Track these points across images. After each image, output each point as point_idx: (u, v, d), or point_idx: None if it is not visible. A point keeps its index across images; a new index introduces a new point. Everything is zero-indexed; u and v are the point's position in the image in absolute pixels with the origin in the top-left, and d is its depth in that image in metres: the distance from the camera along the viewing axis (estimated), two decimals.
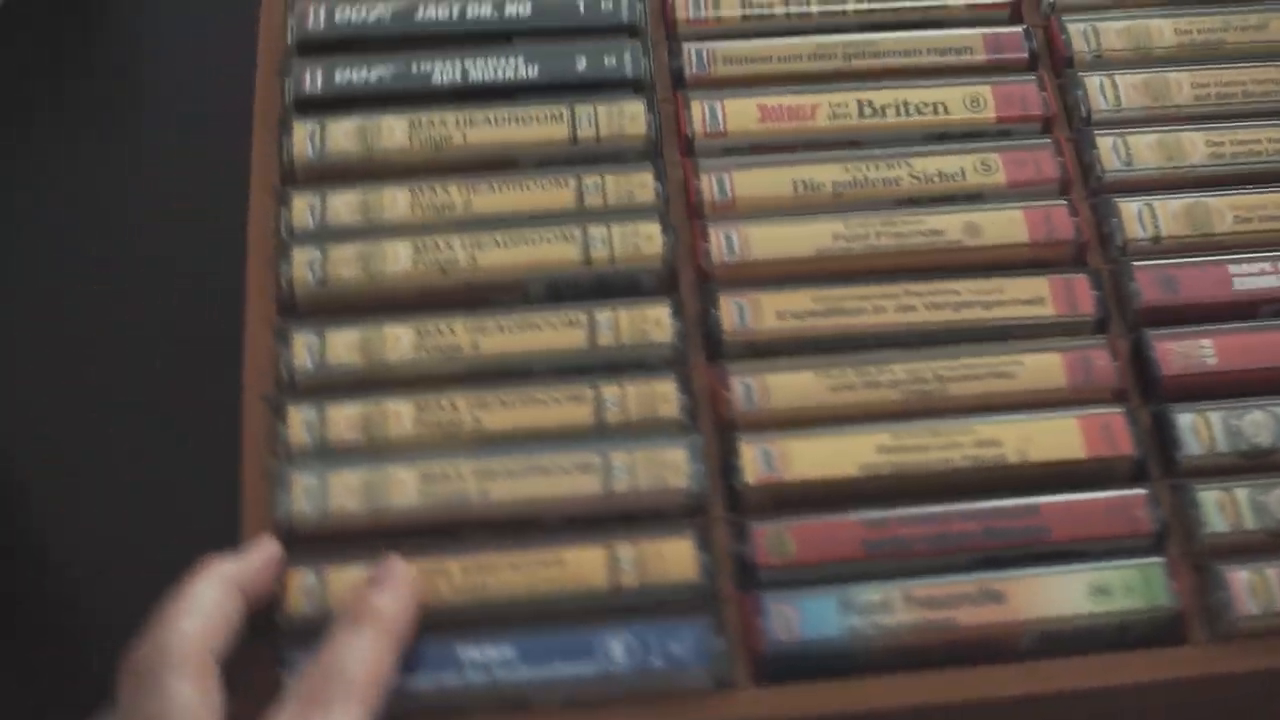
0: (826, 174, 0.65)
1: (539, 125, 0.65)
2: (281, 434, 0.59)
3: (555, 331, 0.61)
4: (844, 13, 0.69)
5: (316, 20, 0.68)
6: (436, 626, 0.56)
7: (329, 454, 0.59)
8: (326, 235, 0.63)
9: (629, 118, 0.65)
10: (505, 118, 0.65)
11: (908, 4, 0.69)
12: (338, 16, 0.68)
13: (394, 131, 0.65)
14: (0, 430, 0.74)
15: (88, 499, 0.73)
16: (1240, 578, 0.58)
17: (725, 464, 0.59)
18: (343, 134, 0.65)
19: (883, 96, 0.67)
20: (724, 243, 0.63)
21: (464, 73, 0.66)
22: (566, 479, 0.58)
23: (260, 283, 0.63)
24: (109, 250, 0.79)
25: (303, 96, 0.66)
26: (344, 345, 0.61)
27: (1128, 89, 0.67)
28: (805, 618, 0.57)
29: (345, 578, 0.56)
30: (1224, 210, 0.65)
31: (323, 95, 0.66)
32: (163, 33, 0.86)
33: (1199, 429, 0.60)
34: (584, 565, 0.57)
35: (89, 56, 0.85)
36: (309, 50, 0.68)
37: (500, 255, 0.62)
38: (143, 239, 0.79)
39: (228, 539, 0.57)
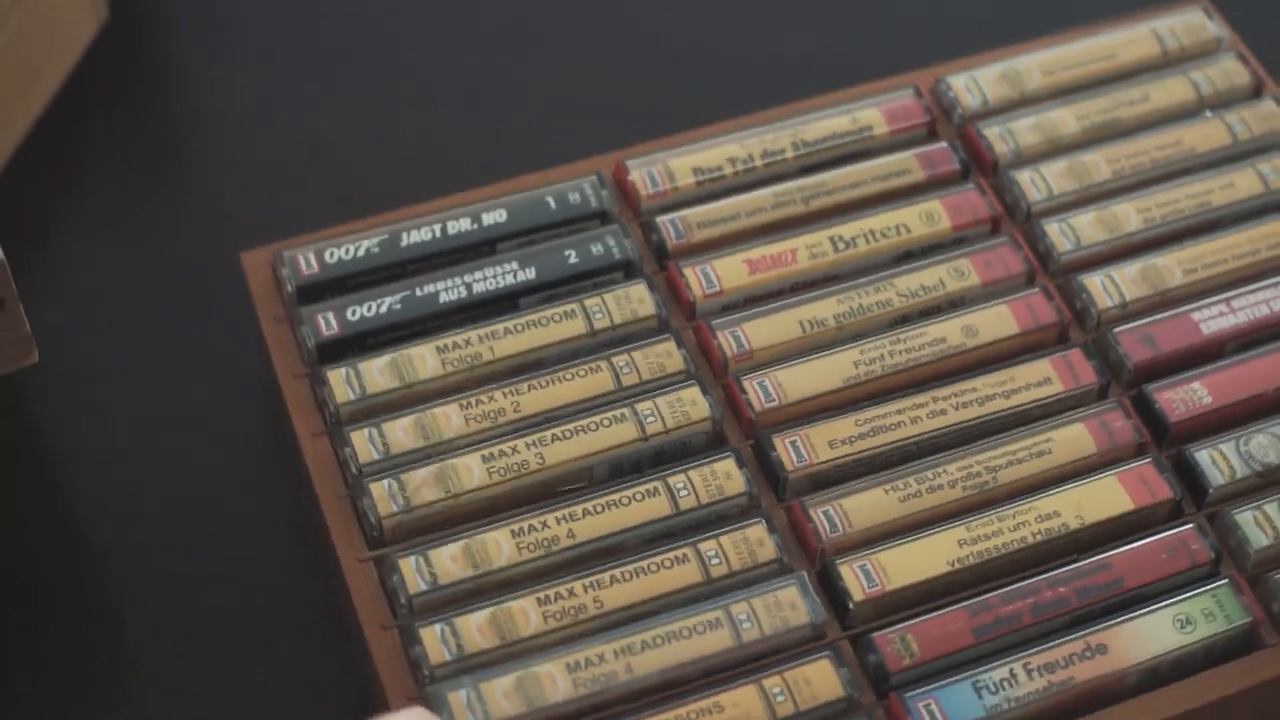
0: (825, 309, 0.70)
1: (557, 325, 0.69)
2: (420, 655, 0.62)
3: (640, 504, 0.65)
4: (784, 160, 0.75)
5: (310, 266, 0.71)
6: None
7: (472, 664, 0.62)
8: (397, 464, 0.66)
9: (636, 300, 0.70)
10: (524, 324, 0.69)
11: (836, 142, 0.76)
12: (329, 257, 0.72)
13: (425, 360, 0.68)
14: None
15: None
16: None
17: (830, 588, 0.64)
18: (378, 371, 0.68)
19: (850, 229, 0.73)
20: (759, 392, 0.68)
21: (468, 287, 0.71)
22: (700, 639, 0.63)
23: (340, 521, 0.66)
24: None
25: (323, 341, 0.69)
26: (449, 558, 0.64)
27: (1055, 177, 0.74)
28: (946, 706, 0.62)
29: None
30: (1172, 267, 0.72)
31: (341, 336, 0.70)
32: None
33: (1218, 461, 0.67)
34: (742, 705, 0.61)
35: None
36: (310, 297, 0.71)
37: (565, 447, 0.66)
38: None
39: None
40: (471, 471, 0.66)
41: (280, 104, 0.86)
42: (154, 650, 0.69)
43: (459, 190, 0.75)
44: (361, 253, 0.72)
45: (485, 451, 0.67)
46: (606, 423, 0.67)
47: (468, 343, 0.69)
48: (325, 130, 0.85)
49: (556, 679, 0.62)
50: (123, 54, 0.87)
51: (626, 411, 0.67)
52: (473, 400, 0.68)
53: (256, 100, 0.86)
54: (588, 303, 0.70)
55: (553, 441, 0.67)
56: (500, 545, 0.64)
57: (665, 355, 0.69)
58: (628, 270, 0.72)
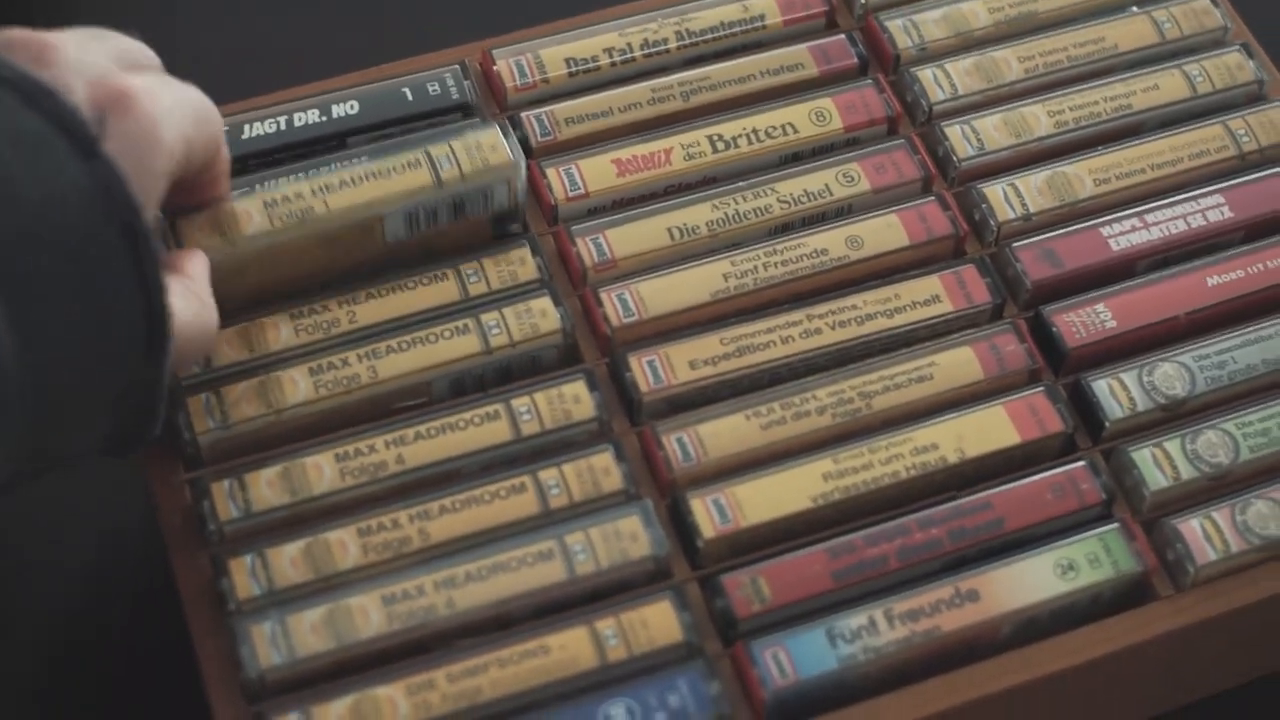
0: (698, 215, 0.64)
1: (400, 176, 0.63)
2: (226, 587, 0.57)
3: (478, 428, 0.60)
4: (667, 51, 0.69)
5: None
6: None
7: (282, 599, 0.57)
8: (216, 376, 0.61)
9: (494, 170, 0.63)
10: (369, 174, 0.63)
11: (725, 33, 0.69)
12: None
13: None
14: None
15: None
16: (1193, 528, 0.59)
17: (679, 523, 0.59)
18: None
19: (731, 128, 0.67)
20: (618, 305, 0.62)
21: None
22: (529, 571, 0.57)
23: None
24: None
25: None
26: (265, 484, 0.59)
27: (961, 75, 0.68)
28: (797, 657, 0.57)
29: (331, 712, 0.55)
30: (1082, 176, 0.66)
31: None
32: None
33: (1117, 392, 0.62)
34: (570, 648, 0.56)
35: None
36: None
37: (400, 359, 0.61)
38: None
39: None
40: (297, 385, 0.61)
41: None
42: None
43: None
44: None
45: (313, 364, 0.61)
46: (448, 334, 0.62)
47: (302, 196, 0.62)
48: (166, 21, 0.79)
49: (370, 612, 0.56)
50: None
51: (470, 322, 0.62)
52: (304, 309, 0.62)
53: None
54: (441, 165, 0.64)
55: (387, 354, 0.61)
56: (322, 470, 0.59)
57: (518, 262, 0.63)
58: (465, 112, 0.66)
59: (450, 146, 0.62)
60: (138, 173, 0.51)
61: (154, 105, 0.52)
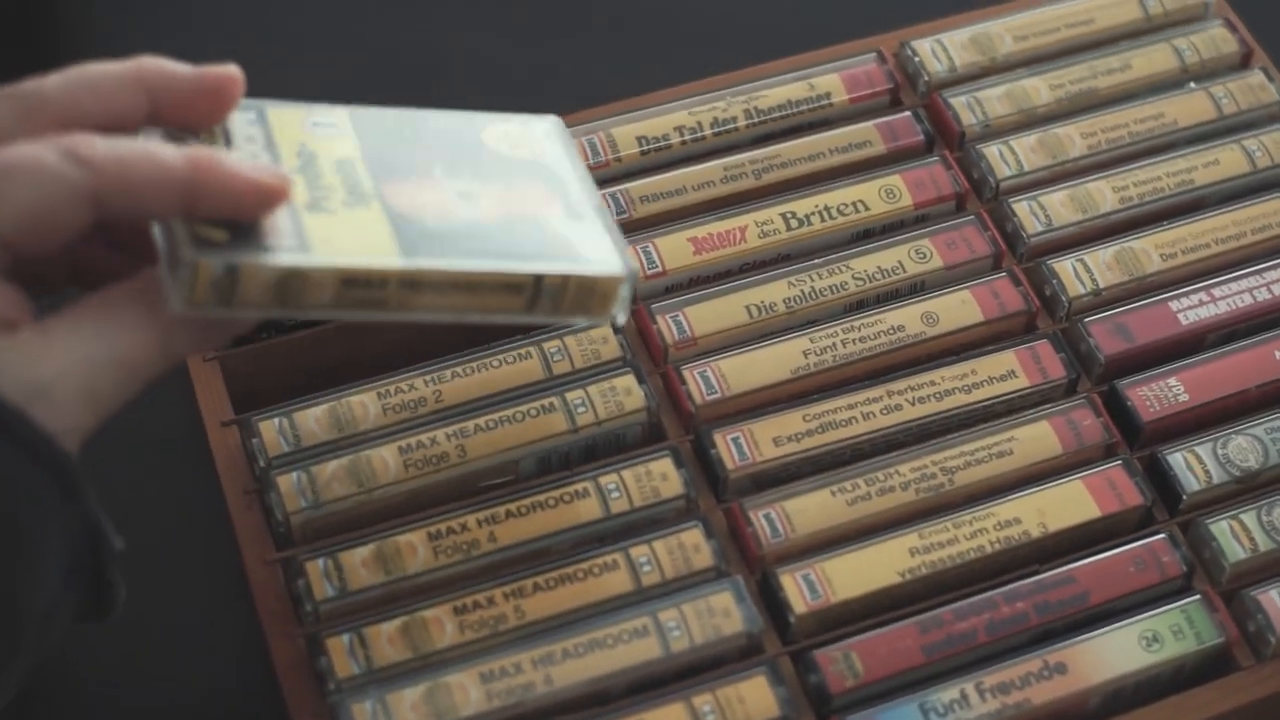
0: (775, 293, 0.65)
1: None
2: (325, 666, 0.57)
3: (568, 505, 0.60)
4: (736, 129, 0.70)
5: None
6: None
7: (381, 678, 0.57)
8: (308, 456, 0.62)
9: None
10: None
11: (792, 111, 0.71)
12: None
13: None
14: None
15: None
16: (1273, 599, 0.60)
17: (771, 599, 0.59)
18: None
19: (803, 205, 0.68)
20: (701, 383, 0.63)
21: None
22: (625, 648, 0.58)
23: (246, 518, 0.61)
24: None
25: None
26: (360, 563, 0.59)
27: (1026, 151, 0.69)
28: None
29: None
30: (1149, 250, 0.67)
31: None
32: None
33: (1193, 465, 0.63)
34: None
35: None
36: None
37: (488, 438, 0.62)
38: None
39: None
40: (387, 465, 0.61)
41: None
42: None
43: None
44: None
45: (402, 443, 0.62)
46: (534, 413, 0.62)
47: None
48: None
49: (469, 689, 0.57)
50: None
51: (556, 400, 0.63)
52: (391, 388, 0.63)
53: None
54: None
55: (475, 433, 0.62)
56: (416, 549, 0.60)
57: (601, 341, 0.64)
58: None
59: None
60: None
61: None
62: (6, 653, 0.48)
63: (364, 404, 0.63)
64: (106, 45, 0.73)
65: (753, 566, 0.60)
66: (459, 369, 0.63)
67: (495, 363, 0.64)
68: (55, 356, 0.47)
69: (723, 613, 0.59)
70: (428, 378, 0.63)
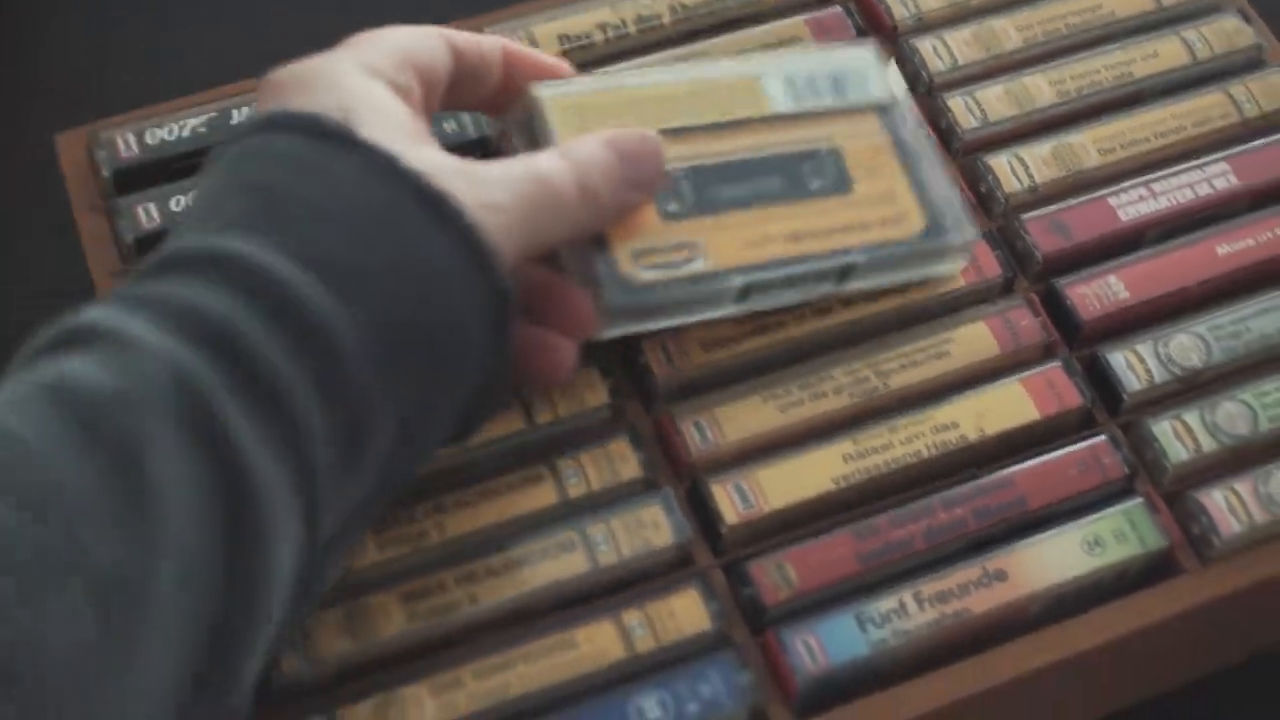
0: None
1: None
2: None
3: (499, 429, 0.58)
4: (661, 25, 0.68)
5: (129, 148, 0.64)
6: None
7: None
8: None
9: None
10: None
11: (719, 5, 0.68)
12: (149, 138, 0.64)
13: None
14: None
15: None
16: (1216, 500, 0.59)
17: (701, 509, 0.58)
18: None
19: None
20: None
21: None
22: (551, 563, 0.56)
23: None
24: None
25: (142, 235, 0.62)
26: None
27: (960, 45, 0.67)
28: (828, 643, 0.56)
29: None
30: (1087, 145, 0.65)
31: (164, 228, 0.62)
32: None
33: (1134, 365, 0.61)
34: (597, 641, 0.55)
35: None
36: (130, 185, 0.63)
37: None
38: None
39: None
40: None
41: None
42: None
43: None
44: (187, 133, 0.64)
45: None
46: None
47: None
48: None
49: (391, 611, 0.55)
50: None
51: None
52: None
53: None
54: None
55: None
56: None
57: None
58: (483, 150, 0.64)
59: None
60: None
61: None
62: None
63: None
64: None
65: (682, 475, 0.58)
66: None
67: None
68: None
69: (652, 525, 0.57)
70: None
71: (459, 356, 0.50)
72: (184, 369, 0.44)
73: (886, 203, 0.59)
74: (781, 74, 0.61)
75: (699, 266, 0.57)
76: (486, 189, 0.51)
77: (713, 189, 0.58)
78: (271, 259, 0.47)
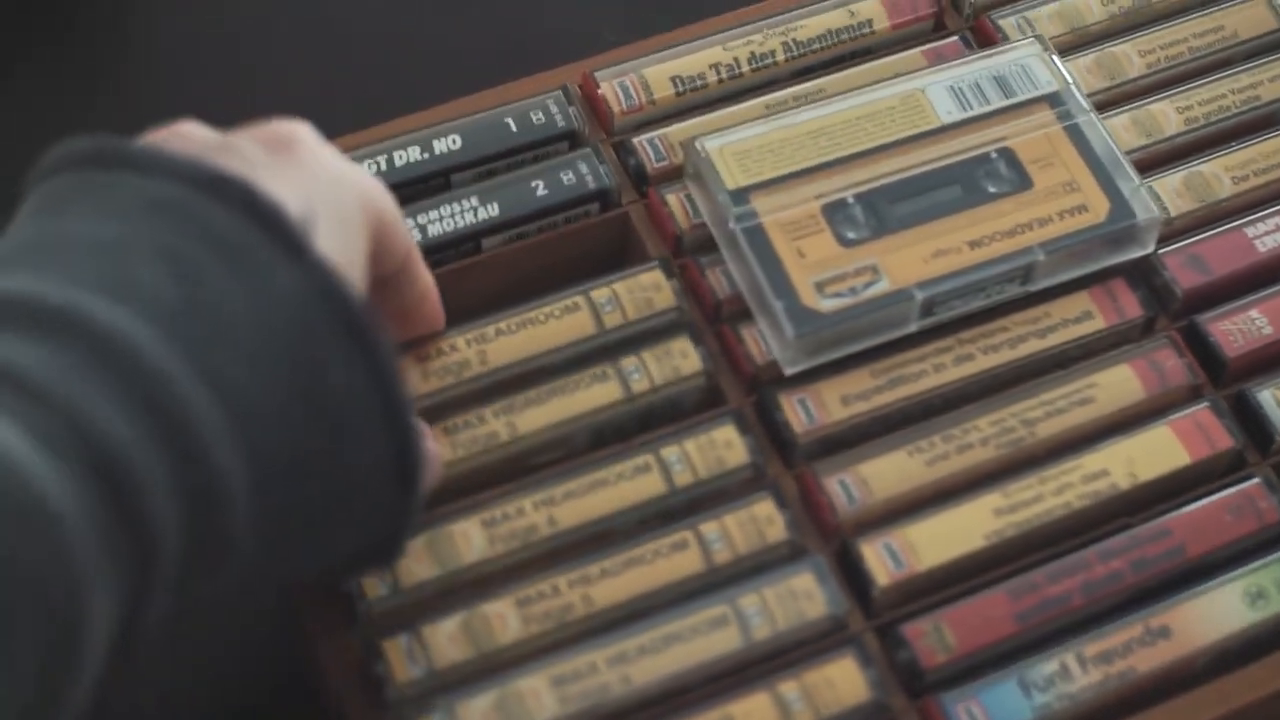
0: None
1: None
2: (381, 672, 0.54)
3: (630, 482, 0.57)
4: (775, 64, 0.66)
5: None
6: None
7: (444, 680, 0.54)
8: None
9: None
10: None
11: (833, 41, 0.67)
12: None
13: None
14: None
15: None
16: None
17: (851, 571, 0.56)
18: None
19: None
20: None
21: (422, 230, 0.61)
22: (704, 639, 0.54)
23: None
24: None
25: None
26: (412, 555, 0.55)
27: (1082, 73, 0.65)
28: (992, 709, 0.54)
29: None
30: (1219, 174, 0.64)
31: None
32: None
33: None
34: (755, 715, 0.53)
35: None
36: None
37: (541, 412, 0.58)
38: None
39: None
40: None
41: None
42: None
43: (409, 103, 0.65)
44: None
45: (448, 423, 0.58)
46: (586, 382, 0.59)
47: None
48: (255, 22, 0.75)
49: (542, 695, 0.53)
50: None
51: (610, 369, 0.59)
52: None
53: None
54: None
55: (525, 407, 0.58)
56: (470, 538, 0.56)
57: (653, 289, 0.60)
58: (603, 201, 0.63)
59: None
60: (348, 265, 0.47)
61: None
62: None
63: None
64: None
65: (829, 536, 0.57)
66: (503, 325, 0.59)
67: (541, 317, 0.59)
68: None
69: (805, 595, 0.55)
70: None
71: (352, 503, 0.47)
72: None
73: (1069, 193, 0.58)
74: (945, 85, 0.60)
75: (881, 288, 0.57)
76: None
77: (888, 209, 0.59)
78: (173, 366, 0.42)
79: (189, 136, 0.47)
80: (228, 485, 0.42)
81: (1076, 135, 0.61)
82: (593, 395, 0.58)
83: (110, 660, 0.41)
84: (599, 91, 0.64)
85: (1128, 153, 0.63)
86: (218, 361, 0.43)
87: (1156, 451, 0.58)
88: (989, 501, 0.57)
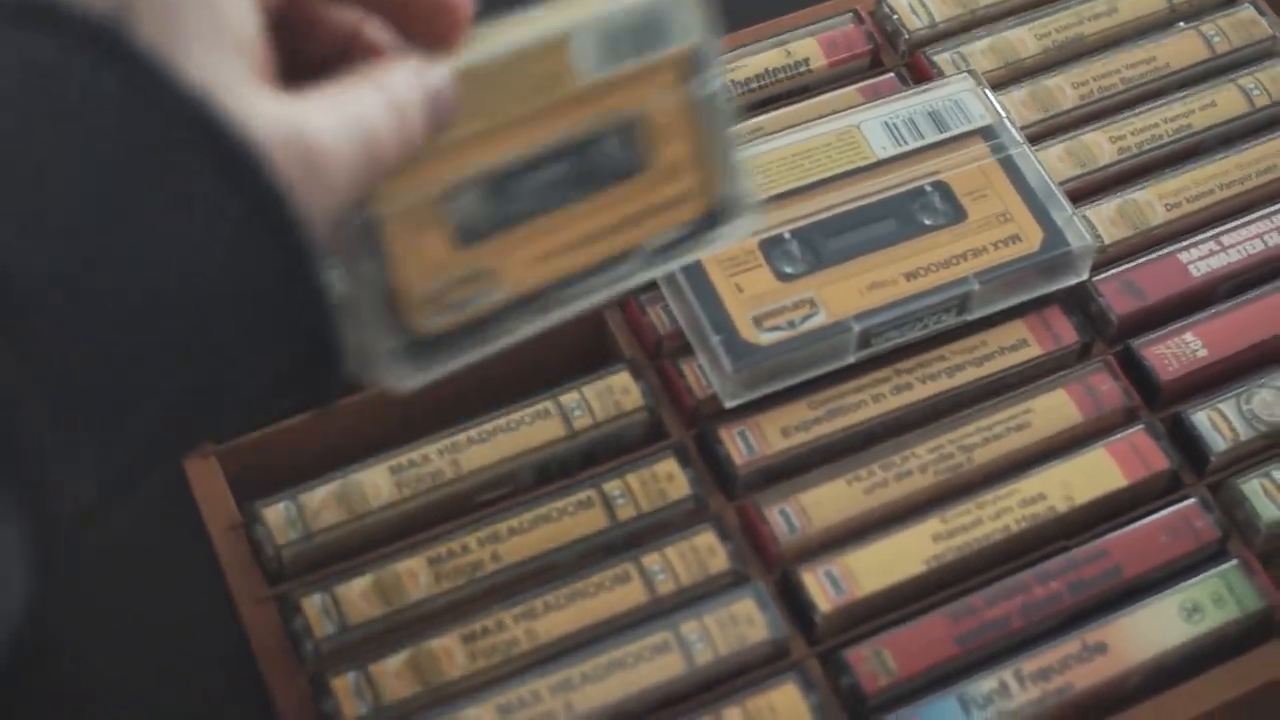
0: None
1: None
2: (331, 709, 0.54)
3: (572, 517, 0.58)
4: None
5: None
6: None
7: (392, 716, 0.54)
8: (297, 490, 0.58)
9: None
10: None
11: (770, 80, 0.68)
12: None
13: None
14: None
15: None
16: None
17: (792, 598, 0.57)
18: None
19: None
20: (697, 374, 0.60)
21: None
22: (647, 665, 0.55)
23: (233, 555, 0.58)
24: None
25: None
26: (359, 596, 0.56)
27: (1016, 106, 0.66)
28: None
29: None
30: (1152, 202, 0.65)
31: None
32: None
33: (1218, 424, 0.60)
34: None
35: None
36: None
37: (482, 451, 0.59)
38: None
39: None
40: (379, 488, 0.58)
41: None
42: None
43: None
44: None
45: (393, 462, 0.59)
46: (529, 420, 0.59)
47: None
48: None
49: None
50: None
51: (551, 405, 0.60)
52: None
53: None
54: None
55: (469, 446, 0.59)
56: (417, 576, 0.57)
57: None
58: None
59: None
60: None
61: None
62: None
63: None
64: None
65: (771, 566, 0.58)
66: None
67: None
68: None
69: (746, 620, 0.56)
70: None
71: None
72: None
73: (1003, 224, 0.59)
74: (880, 121, 0.61)
75: (818, 320, 0.58)
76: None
77: (824, 243, 0.60)
78: None
79: None
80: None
81: (1010, 167, 0.62)
82: (536, 432, 0.59)
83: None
84: None
85: (1062, 183, 0.64)
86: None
87: (1093, 474, 0.59)
88: (928, 527, 0.58)
